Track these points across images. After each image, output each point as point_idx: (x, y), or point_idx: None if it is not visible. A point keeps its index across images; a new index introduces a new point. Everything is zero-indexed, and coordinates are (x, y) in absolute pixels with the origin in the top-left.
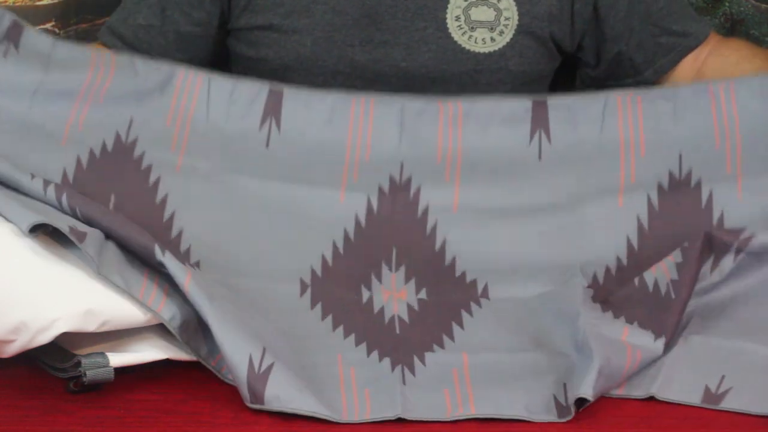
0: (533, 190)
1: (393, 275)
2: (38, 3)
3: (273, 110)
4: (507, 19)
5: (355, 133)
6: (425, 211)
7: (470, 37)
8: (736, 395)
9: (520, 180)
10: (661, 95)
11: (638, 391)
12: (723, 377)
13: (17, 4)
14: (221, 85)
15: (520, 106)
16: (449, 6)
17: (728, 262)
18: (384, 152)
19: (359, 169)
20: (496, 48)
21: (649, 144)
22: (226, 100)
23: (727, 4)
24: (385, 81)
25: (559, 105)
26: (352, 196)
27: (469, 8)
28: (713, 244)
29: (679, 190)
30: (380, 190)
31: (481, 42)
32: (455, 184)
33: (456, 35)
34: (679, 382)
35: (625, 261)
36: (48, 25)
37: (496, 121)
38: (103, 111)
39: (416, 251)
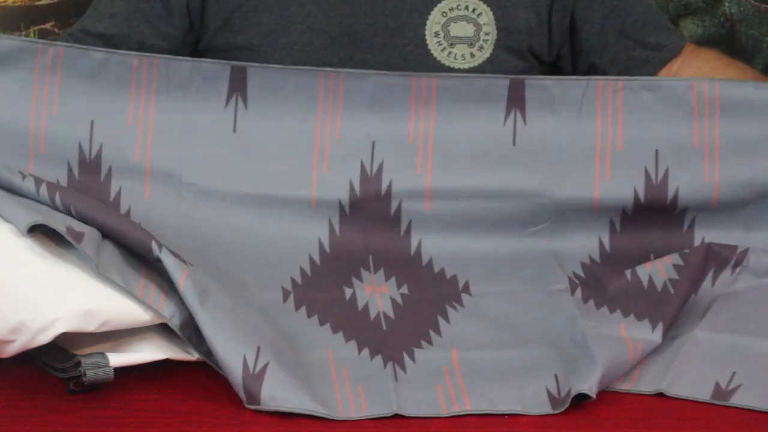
0: (507, 182)
1: (373, 276)
2: (38, 3)
3: (238, 87)
4: (486, 34)
5: (325, 109)
6: (398, 209)
7: (450, 53)
8: (746, 391)
9: (494, 169)
10: (644, 85)
11: (648, 387)
12: (734, 373)
13: (17, 4)
14: (180, 68)
15: (497, 83)
16: (428, 22)
17: (726, 275)
18: (355, 130)
19: (330, 153)
20: (476, 63)
21: (626, 137)
22: (187, 82)
23: (726, 4)
24: None
25: (538, 85)
26: (323, 200)
27: (449, 24)
28: (714, 256)
29: (655, 203)
30: (351, 188)
31: (461, 58)
32: (426, 175)
33: (435, 52)
34: (689, 378)
35: (608, 248)
36: (47, 25)
37: (471, 98)
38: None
39: (392, 256)
